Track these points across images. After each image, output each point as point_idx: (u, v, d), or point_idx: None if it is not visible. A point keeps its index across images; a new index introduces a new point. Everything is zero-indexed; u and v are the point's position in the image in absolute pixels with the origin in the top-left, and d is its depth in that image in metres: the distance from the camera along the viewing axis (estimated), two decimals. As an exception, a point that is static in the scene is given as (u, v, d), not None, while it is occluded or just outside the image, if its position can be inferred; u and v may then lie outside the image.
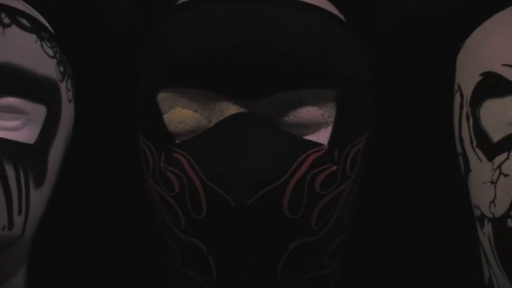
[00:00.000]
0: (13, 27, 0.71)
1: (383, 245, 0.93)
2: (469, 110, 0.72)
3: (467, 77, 0.73)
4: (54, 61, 0.74)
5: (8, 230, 0.69)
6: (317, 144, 0.67)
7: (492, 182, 0.70)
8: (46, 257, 0.79)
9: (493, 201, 0.70)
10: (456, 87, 0.75)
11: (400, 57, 0.88)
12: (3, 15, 0.71)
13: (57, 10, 0.79)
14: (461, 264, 0.82)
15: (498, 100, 0.70)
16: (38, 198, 0.72)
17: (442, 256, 0.92)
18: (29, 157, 0.71)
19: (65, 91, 0.75)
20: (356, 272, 0.81)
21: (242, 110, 0.66)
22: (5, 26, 0.70)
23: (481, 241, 0.73)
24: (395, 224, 0.93)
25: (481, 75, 0.71)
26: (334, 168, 0.67)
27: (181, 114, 0.68)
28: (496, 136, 0.70)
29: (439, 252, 0.93)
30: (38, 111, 0.72)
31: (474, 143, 0.72)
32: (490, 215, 0.70)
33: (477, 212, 0.73)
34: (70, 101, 0.76)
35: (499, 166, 0.69)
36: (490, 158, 0.70)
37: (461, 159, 0.75)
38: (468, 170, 0.74)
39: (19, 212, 0.70)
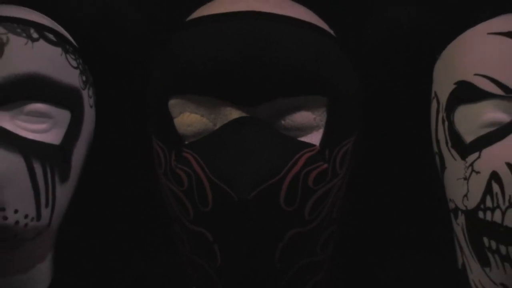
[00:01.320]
0: (41, 41, 0.71)
1: (368, 236, 0.93)
2: (444, 114, 0.72)
3: (442, 85, 0.73)
4: (77, 71, 0.74)
5: (36, 221, 0.69)
6: (310, 145, 0.67)
7: (465, 179, 0.70)
8: (70, 245, 0.79)
9: (466, 195, 0.70)
10: (433, 94, 0.76)
11: (383, 68, 0.88)
12: (32, 30, 0.71)
13: (79, 26, 0.79)
14: (437, 251, 0.82)
15: (470, 106, 0.70)
16: (63, 192, 0.72)
17: (421, 243, 0.92)
18: (55, 156, 0.71)
19: (87, 98, 0.76)
20: (345, 260, 0.81)
21: (244, 114, 0.66)
22: (34, 40, 0.71)
23: (455, 231, 0.74)
24: (379, 216, 0.93)
25: (455, 83, 0.71)
26: (325, 166, 0.67)
27: (189, 118, 0.68)
28: (468, 137, 0.70)
29: (418, 240, 0.92)
30: (63, 115, 0.72)
31: (449, 144, 0.72)
32: (463, 208, 0.71)
33: (451, 205, 0.73)
34: (91, 106, 0.77)
35: (471, 164, 0.69)
36: (463, 157, 0.70)
37: (437, 158, 0.75)
38: (443, 167, 0.74)
39: (46, 205, 0.70)
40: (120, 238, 0.94)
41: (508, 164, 0.65)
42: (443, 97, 0.73)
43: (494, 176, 0.67)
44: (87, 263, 0.91)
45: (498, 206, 0.66)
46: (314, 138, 0.68)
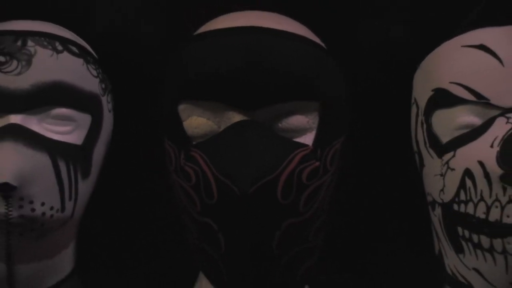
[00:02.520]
0: (65, 53, 0.71)
1: (355, 225, 0.93)
2: (423, 118, 0.73)
3: (421, 92, 0.74)
4: (97, 79, 0.74)
5: (61, 213, 0.69)
6: (303, 145, 0.67)
7: (441, 175, 0.70)
8: (91, 234, 0.79)
9: (442, 190, 0.70)
10: (413, 100, 0.76)
11: (369, 77, 0.88)
12: (57, 43, 0.71)
13: (99, 40, 0.79)
14: (416, 238, 0.82)
15: (446, 111, 0.70)
16: (85, 187, 0.73)
17: (401, 231, 0.93)
18: (77, 155, 0.71)
19: (106, 103, 0.76)
20: (334, 247, 0.81)
21: (245, 118, 0.66)
22: (59, 52, 0.71)
23: (433, 221, 0.74)
24: (365, 207, 0.93)
25: (432, 90, 0.72)
26: (317, 164, 0.68)
27: (197, 121, 0.68)
28: (444, 138, 0.71)
29: (399, 229, 0.93)
30: (85, 119, 0.72)
31: (427, 144, 0.72)
32: (440, 201, 0.71)
33: (429, 198, 0.73)
34: (109, 111, 0.77)
35: (447, 162, 0.70)
36: (440, 156, 0.71)
37: (416, 156, 0.76)
38: (422, 165, 0.74)
39: (70, 198, 0.70)
40: (135, 228, 0.94)
41: (479, 162, 0.66)
42: (422, 102, 0.73)
43: (467, 173, 0.67)
44: (106, 249, 0.92)
45: (471, 199, 0.67)
46: (308, 139, 0.68)
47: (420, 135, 0.73)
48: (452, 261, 0.71)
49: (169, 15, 0.88)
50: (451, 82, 0.69)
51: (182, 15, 0.82)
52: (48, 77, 0.69)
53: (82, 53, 0.73)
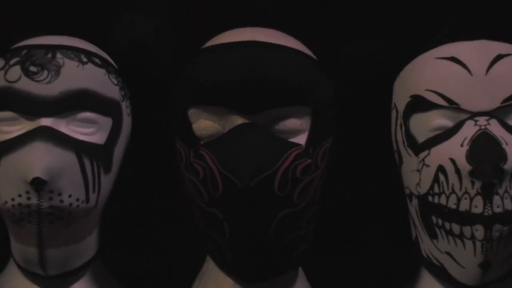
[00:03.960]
0: (89, 64, 0.71)
1: (342, 214, 0.93)
2: (402, 121, 0.72)
3: (400, 98, 0.73)
4: (117, 87, 0.74)
5: (86, 203, 0.69)
6: (297, 144, 0.68)
7: (417, 170, 0.70)
8: (112, 221, 0.79)
9: (418, 184, 0.70)
10: (393, 105, 0.75)
11: (354, 84, 0.88)
12: (82, 56, 0.71)
13: (119, 52, 0.79)
14: (396, 226, 0.82)
15: (422, 114, 0.70)
16: (106, 181, 0.72)
17: (383, 220, 0.93)
18: (100, 153, 0.71)
19: (125, 108, 0.75)
20: (324, 234, 0.81)
21: (246, 121, 0.66)
22: (84, 63, 0.71)
23: (410, 211, 0.74)
24: (351, 199, 0.93)
25: (410, 97, 0.71)
26: (309, 161, 0.68)
27: (204, 124, 0.68)
28: (420, 139, 0.70)
29: (381, 218, 0.93)
30: (107, 122, 0.72)
31: (405, 144, 0.72)
32: (416, 193, 0.71)
33: (407, 191, 0.73)
34: (128, 115, 0.76)
35: (423, 160, 0.69)
36: (416, 154, 0.70)
37: (396, 154, 0.75)
38: (401, 162, 0.74)
39: (93, 191, 0.70)
40: (151, 217, 0.94)
41: (451, 159, 0.66)
42: (401, 107, 0.73)
43: (440, 169, 0.67)
44: (126, 235, 0.92)
45: (443, 192, 0.67)
46: (301, 139, 0.68)
47: (399, 136, 0.73)
48: (427, 246, 0.71)
49: (180, 31, 0.88)
50: (426, 90, 0.69)
51: (191, 30, 0.82)
52: (74, 85, 0.69)
53: (104, 64, 0.73)
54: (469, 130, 0.66)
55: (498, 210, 0.64)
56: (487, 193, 0.64)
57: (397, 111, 0.74)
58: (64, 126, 0.69)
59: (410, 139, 0.71)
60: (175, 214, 0.90)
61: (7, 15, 0.87)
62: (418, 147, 0.70)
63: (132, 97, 0.78)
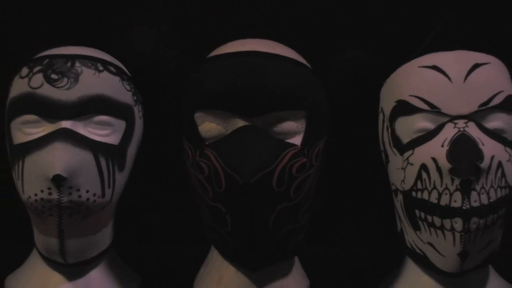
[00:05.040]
0: (105, 72, 0.71)
1: (334, 208, 0.93)
2: (388, 123, 0.72)
3: (387, 103, 0.73)
4: (130, 93, 0.74)
5: (102, 198, 0.70)
6: (293, 145, 0.68)
7: (402, 168, 0.70)
8: (125, 215, 0.79)
9: (403, 180, 0.70)
10: (380, 109, 0.75)
11: (345, 90, 0.87)
12: (98, 64, 0.71)
13: (132, 61, 0.79)
14: (382, 218, 0.82)
15: (406, 118, 0.70)
16: (120, 178, 0.72)
17: (371, 213, 0.92)
18: (114, 153, 0.71)
19: (137, 112, 0.75)
20: (318, 226, 0.81)
21: (247, 123, 0.66)
22: (100, 71, 0.71)
23: (395, 205, 0.74)
24: (342, 194, 0.92)
25: (395, 102, 0.71)
26: (305, 160, 0.68)
27: (209, 126, 0.68)
28: (405, 139, 0.70)
29: (369, 211, 0.93)
30: (120, 124, 0.72)
31: (391, 144, 0.72)
32: (401, 189, 0.71)
33: (393, 187, 0.73)
34: (140, 118, 0.76)
35: (407, 159, 0.69)
36: (401, 153, 0.70)
37: (383, 154, 0.75)
38: (387, 161, 0.74)
39: (109, 187, 0.70)
40: (160, 211, 0.94)
41: (433, 159, 0.66)
42: (387, 111, 0.73)
43: (423, 167, 0.67)
44: (138, 227, 0.92)
45: (426, 188, 0.67)
46: (297, 140, 0.68)
47: (386, 137, 0.73)
48: (411, 237, 0.71)
49: (187, 42, 0.88)
50: (410, 95, 0.69)
51: (197, 42, 0.82)
52: (91, 91, 0.69)
53: (118, 72, 0.73)
54: (449, 132, 0.66)
55: (475, 204, 0.64)
56: (465, 189, 0.64)
57: (384, 115, 0.74)
58: (82, 128, 0.69)
59: (395, 140, 0.71)
60: (182, 207, 0.89)
61: (31, 28, 0.87)
62: (403, 147, 0.70)
63: (143, 102, 0.78)
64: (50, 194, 0.65)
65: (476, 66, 0.67)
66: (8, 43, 0.87)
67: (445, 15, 0.84)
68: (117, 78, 0.72)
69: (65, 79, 0.68)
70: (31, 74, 0.69)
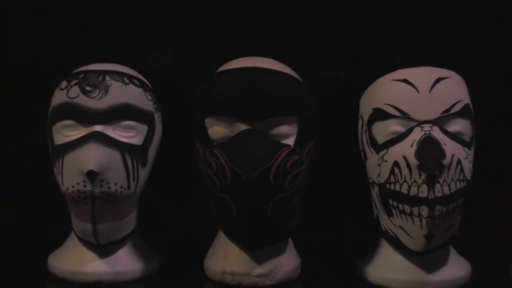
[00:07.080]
0: (130, 85, 0.71)
1: (321, 199, 0.92)
2: (366, 127, 0.72)
3: (365, 110, 0.73)
4: (152, 102, 0.74)
5: (127, 190, 0.69)
6: (287, 145, 0.67)
7: (378, 165, 0.70)
8: (147, 203, 0.79)
9: (379, 175, 0.70)
10: (359, 116, 0.75)
11: (330, 100, 0.87)
12: (125, 78, 0.71)
13: (153, 75, 0.78)
14: (361, 207, 0.81)
15: (381, 122, 0.70)
16: (143, 173, 0.72)
17: (351, 203, 0.92)
18: (138, 152, 0.71)
19: (157, 118, 0.75)
20: (308, 213, 0.81)
21: (248, 127, 0.66)
22: (126, 84, 0.71)
23: (372, 195, 0.73)
24: (328, 186, 0.92)
25: (372, 109, 0.71)
26: (297, 157, 0.68)
27: (217, 130, 0.68)
28: (380, 141, 0.70)
29: (350, 201, 0.92)
30: (143, 128, 0.72)
31: (369, 144, 0.72)
32: (377, 182, 0.71)
33: (370, 181, 0.73)
34: (159, 123, 0.76)
35: (382, 157, 0.69)
36: (377, 152, 0.70)
37: (362, 153, 0.75)
38: (366, 158, 0.74)
39: (133, 180, 0.70)
40: (175, 202, 0.94)
41: (403, 157, 0.66)
42: (366, 117, 0.72)
43: (396, 164, 0.67)
44: (158, 214, 0.91)
45: (398, 181, 0.67)
46: (290, 141, 0.68)
47: (364, 139, 0.73)
48: (385, 222, 0.71)
49: (198, 60, 0.89)
50: (384, 104, 0.69)
51: (207, 60, 0.82)
52: (119, 101, 0.69)
53: (141, 84, 0.73)
54: (417, 134, 0.66)
55: (438, 194, 0.64)
56: (431, 182, 0.64)
57: (362, 120, 0.74)
58: (111, 131, 0.68)
59: (372, 141, 0.71)
60: (194, 198, 0.89)
61: (68, 48, 0.88)
62: (378, 147, 0.70)
63: (162, 109, 0.78)
64: (84, 186, 0.65)
65: (439, 79, 0.67)
66: (49, 63, 0.87)
67: (413, 38, 0.85)
68: (140, 90, 0.72)
69: (97, 91, 0.68)
70: (69, 86, 0.69)
